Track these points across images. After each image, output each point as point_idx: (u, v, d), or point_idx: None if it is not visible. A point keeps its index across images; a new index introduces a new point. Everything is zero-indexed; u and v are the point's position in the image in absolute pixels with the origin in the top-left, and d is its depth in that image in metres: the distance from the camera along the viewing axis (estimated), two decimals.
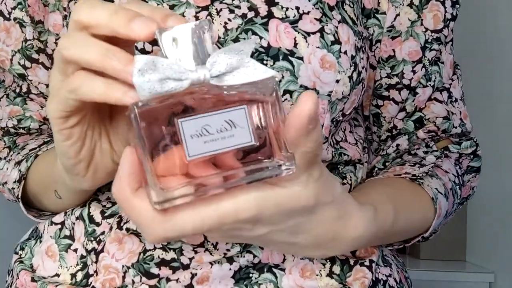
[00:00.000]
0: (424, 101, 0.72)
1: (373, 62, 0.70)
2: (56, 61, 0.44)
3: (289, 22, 0.59)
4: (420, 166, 0.68)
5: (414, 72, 0.70)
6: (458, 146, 0.73)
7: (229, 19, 0.59)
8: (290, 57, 0.58)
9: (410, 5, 0.68)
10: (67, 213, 0.65)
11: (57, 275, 0.63)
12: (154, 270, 0.60)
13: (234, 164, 0.41)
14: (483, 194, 1.91)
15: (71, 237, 0.64)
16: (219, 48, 0.57)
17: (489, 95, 1.92)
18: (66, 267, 0.63)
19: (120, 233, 0.61)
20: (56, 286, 0.62)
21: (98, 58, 0.41)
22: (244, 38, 0.58)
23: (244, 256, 0.60)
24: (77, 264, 0.62)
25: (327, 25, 0.60)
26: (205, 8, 0.60)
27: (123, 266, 0.60)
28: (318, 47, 0.59)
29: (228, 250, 0.60)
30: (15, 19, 0.70)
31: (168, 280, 0.59)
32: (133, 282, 0.60)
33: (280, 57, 0.58)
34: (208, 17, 0.58)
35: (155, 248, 0.60)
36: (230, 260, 0.60)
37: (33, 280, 0.64)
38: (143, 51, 0.58)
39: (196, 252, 0.60)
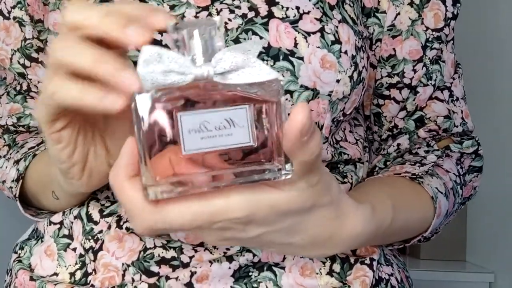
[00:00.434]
0: (425, 100, 0.72)
1: (374, 61, 0.70)
2: (48, 63, 0.44)
3: (289, 22, 0.59)
4: (421, 165, 0.68)
5: (414, 71, 0.70)
6: (460, 145, 0.72)
7: (230, 19, 0.59)
8: (290, 57, 0.58)
9: (411, 4, 0.68)
10: (65, 213, 0.65)
11: (56, 274, 0.63)
12: (154, 268, 0.60)
13: (228, 164, 0.41)
14: (483, 194, 1.91)
15: (70, 236, 0.64)
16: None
17: (490, 95, 1.92)
18: (65, 266, 0.63)
19: (120, 231, 0.61)
20: (55, 285, 0.62)
21: (89, 63, 0.41)
22: (245, 39, 0.58)
23: (243, 255, 0.60)
24: (76, 263, 0.62)
25: (327, 25, 0.60)
26: (206, 8, 0.60)
27: (123, 264, 0.60)
28: (319, 47, 0.59)
29: (228, 249, 0.60)
30: (14, 18, 0.71)
31: (167, 278, 0.59)
32: (133, 280, 0.60)
33: (281, 57, 0.58)
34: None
35: (155, 247, 0.60)
36: (230, 258, 0.60)
37: (31, 279, 0.64)
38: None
39: (196, 251, 0.60)
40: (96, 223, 0.62)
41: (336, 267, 0.62)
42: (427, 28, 0.69)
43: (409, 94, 0.71)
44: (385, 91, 0.71)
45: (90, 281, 0.61)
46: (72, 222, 0.64)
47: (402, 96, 0.71)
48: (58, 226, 0.65)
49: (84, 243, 0.62)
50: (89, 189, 0.53)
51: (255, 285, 0.60)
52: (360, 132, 0.72)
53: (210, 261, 0.59)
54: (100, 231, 0.62)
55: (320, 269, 0.61)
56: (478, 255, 1.93)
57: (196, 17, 0.59)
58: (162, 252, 0.60)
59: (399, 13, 0.68)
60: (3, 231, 1.31)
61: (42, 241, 0.66)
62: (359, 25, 0.65)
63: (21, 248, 0.68)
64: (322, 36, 0.59)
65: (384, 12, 0.68)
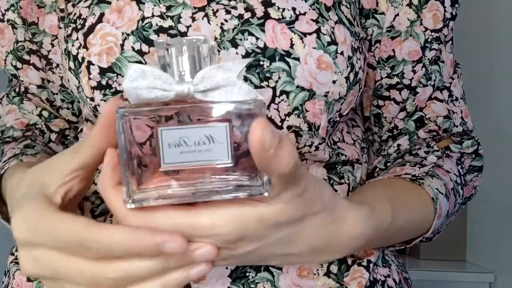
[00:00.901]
0: (425, 101, 0.72)
1: (373, 62, 0.70)
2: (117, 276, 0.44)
3: (285, 23, 0.59)
4: (421, 166, 0.68)
5: (414, 72, 0.70)
6: (460, 145, 0.72)
7: (226, 20, 0.59)
8: (286, 58, 0.58)
9: (409, 5, 0.68)
10: None
11: None
12: None
13: (209, 177, 0.42)
14: (483, 194, 1.91)
15: None
16: (218, 50, 0.58)
17: (490, 95, 1.92)
18: None
19: None
20: None
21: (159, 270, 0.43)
22: (241, 39, 0.58)
23: None
24: None
25: (323, 26, 0.60)
26: (202, 9, 0.60)
27: None
28: (315, 48, 0.59)
29: None
30: (8, 20, 0.72)
31: None
32: None
33: (277, 58, 0.58)
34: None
35: None
36: None
37: (28, 280, 0.64)
38: (139, 52, 0.58)
39: None
40: None
41: (334, 268, 0.62)
42: (426, 29, 0.69)
43: (408, 94, 0.71)
44: (384, 92, 0.71)
45: None
46: None
47: (402, 97, 0.71)
48: None
49: None
50: None
51: (252, 285, 0.60)
52: (358, 133, 0.72)
53: None
54: None
55: (318, 270, 0.61)
56: (478, 255, 1.93)
57: (192, 18, 0.60)
58: None
59: (397, 14, 0.68)
60: (0, 233, 1.31)
61: None
62: (356, 26, 0.65)
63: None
64: (318, 37, 0.59)
65: (383, 13, 0.68)
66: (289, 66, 0.58)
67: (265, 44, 0.58)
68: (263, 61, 0.58)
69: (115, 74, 0.59)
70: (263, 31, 0.59)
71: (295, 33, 0.59)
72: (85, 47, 0.60)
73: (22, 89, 0.74)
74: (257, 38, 0.58)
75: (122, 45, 0.59)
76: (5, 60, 0.73)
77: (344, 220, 0.50)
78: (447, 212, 0.68)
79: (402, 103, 0.71)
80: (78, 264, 0.43)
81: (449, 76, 0.73)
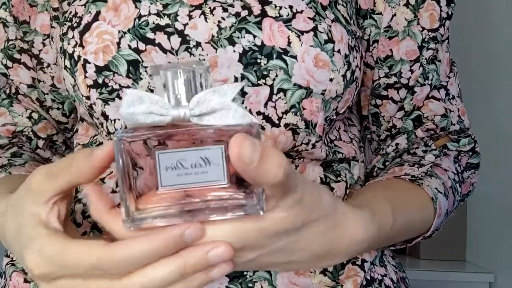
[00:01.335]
0: (422, 100, 0.72)
1: (371, 62, 0.70)
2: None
3: (282, 21, 0.59)
4: (419, 166, 0.68)
5: (412, 71, 0.70)
6: (457, 143, 0.73)
7: (223, 18, 0.59)
8: (283, 56, 0.58)
9: (407, 5, 0.69)
10: None
11: None
12: None
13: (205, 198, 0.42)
14: (483, 195, 1.91)
15: None
16: (215, 48, 0.58)
17: (489, 94, 1.92)
18: None
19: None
20: None
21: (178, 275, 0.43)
22: (238, 37, 0.58)
23: None
24: None
25: (320, 24, 0.60)
26: (199, 7, 0.60)
27: None
28: (312, 46, 0.59)
29: None
30: (0, 18, 0.71)
31: None
32: None
33: (274, 56, 0.58)
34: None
35: None
36: None
37: (26, 281, 0.64)
38: (136, 50, 0.58)
39: None
40: (79, 225, 0.62)
41: (329, 267, 0.62)
42: (423, 28, 0.69)
43: (406, 94, 0.71)
44: (382, 91, 0.71)
45: None
46: None
47: (399, 96, 0.71)
48: None
49: None
50: None
51: (250, 284, 0.60)
52: (355, 131, 0.72)
53: None
54: (84, 233, 0.62)
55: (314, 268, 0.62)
56: (478, 255, 1.93)
57: (189, 16, 0.59)
58: None
59: (395, 14, 0.69)
60: None
61: None
62: (352, 25, 0.65)
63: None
64: (315, 35, 0.59)
65: (380, 13, 0.68)
66: (286, 64, 0.58)
67: (262, 42, 0.58)
68: (261, 59, 0.58)
69: (111, 73, 0.59)
70: (260, 29, 0.59)
71: (292, 31, 0.59)
72: (81, 45, 0.60)
73: (13, 91, 0.74)
74: (254, 36, 0.58)
75: (118, 43, 0.59)
76: None
77: (345, 225, 0.50)
78: (447, 210, 0.68)
79: (400, 102, 0.72)
80: (103, 285, 0.43)
81: (446, 75, 0.73)
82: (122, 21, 0.59)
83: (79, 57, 0.60)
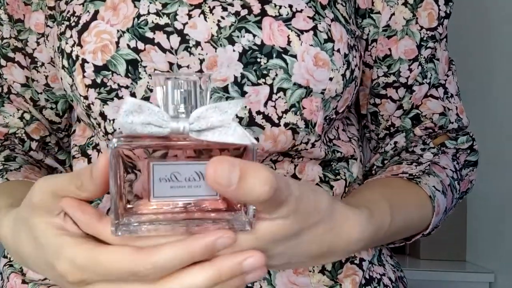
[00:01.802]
0: (421, 98, 0.72)
1: (370, 61, 0.71)
2: None
3: (282, 20, 0.59)
4: (418, 165, 0.68)
5: (410, 70, 0.70)
6: (455, 141, 0.73)
7: (223, 17, 0.59)
8: (283, 55, 0.58)
9: (405, 4, 0.69)
10: None
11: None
12: None
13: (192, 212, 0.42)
14: (483, 194, 1.91)
15: None
16: (215, 48, 0.58)
17: (488, 94, 1.92)
18: None
19: None
20: (49, 287, 0.62)
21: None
22: (238, 36, 0.58)
23: None
24: None
25: (320, 23, 0.60)
26: (198, 6, 0.60)
27: None
28: (312, 45, 0.59)
29: None
30: None
31: None
32: None
33: (274, 55, 0.58)
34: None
35: None
36: None
37: (23, 282, 0.64)
38: (135, 49, 0.58)
39: None
40: None
41: (328, 265, 0.62)
42: (422, 27, 0.70)
43: (405, 93, 0.71)
44: (381, 90, 0.71)
45: None
46: None
47: (398, 95, 0.71)
48: None
49: None
50: None
51: (249, 284, 0.60)
52: (353, 131, 0.72)
53: None
54: None
55: (313, 267, 0.62)
56: (478, 255, 1.93)
57: (189, 15, 0.59)
58: None
59: (393, 14, 0.69)
60: None
61: None
62: (351, 24, 0.65)
63: None
64: (315, 34, 0.59)
65: (378, 12, 0.68)
66: (286, 63, 0.58)
67: (262, 41, 0.58)
68: (260, 58, 0.58)
69: (110, 72, 0.58)
70: (260, 28, 0.59)
71: (292, 30, 0.59)
72: (79, 45, 0.60)
73: (5, 90, 0.73)
74: (254, 35, 0.58)
75: (117, 43, 0.58)
76: None
77: (342, 225, 0.50)
78: (445, 208, 0.68)
79: (398, 101, 0.72)
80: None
81: (444, 73, 0.73)
82: (121, 20, 0.59)
83: (77, 56, 0.60)
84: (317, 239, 0.48)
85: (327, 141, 0.67)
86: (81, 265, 0.43)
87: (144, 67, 0.58)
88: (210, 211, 0.43)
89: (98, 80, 0.59)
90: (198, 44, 0.58)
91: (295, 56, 0.58)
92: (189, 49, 0.58)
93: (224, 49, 0.58)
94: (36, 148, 0.73)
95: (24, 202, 0.48)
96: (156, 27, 0.59)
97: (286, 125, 0.60)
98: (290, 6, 0.60)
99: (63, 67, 0.61)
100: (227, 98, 0.58)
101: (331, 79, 0.60)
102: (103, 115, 0.60)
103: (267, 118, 0.59)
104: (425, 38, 0.70)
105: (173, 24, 0.59)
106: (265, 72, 0.58)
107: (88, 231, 0.44)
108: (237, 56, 0.58)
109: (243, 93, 0.58)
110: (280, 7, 0.60)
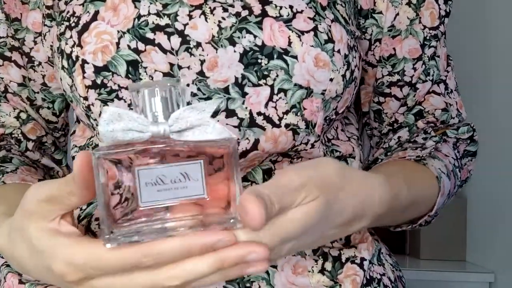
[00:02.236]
0: (424, 95, 0.73)
1: (372, 60, 0.71)
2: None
3: (283, 21, 0.59)
4: (422, 149, 0.70)
5: (414, 69, 0.71)
6: (456, 131, 0.74)
7: (223, 18, 0.59)
8: (284, 56, 0.58)
9: (409, 4, 0.70)
10: None
11: None
12: None
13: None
14: (483, 194, 1.91)
15: None
16: (216, 48, 0.57)
17: (487, 93, 1.92)
18: None
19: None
20: (46, 287, 0.62)
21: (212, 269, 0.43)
22: (239, 37, 0.58)
23: None
24: None
25: (320, 24, 0.60)
26: (199, 7, 0.60)
27: None
28: (312, 46, 0.59)
29: None
30: None
31: None
32: None
33: (275, 56, 0.58)
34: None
35: None
36: None
37: (20, 282, 0.64)
38: (136, 50, 0.58)
39: None
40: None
41: (328, 266, 0.62)
42: (425, 26, 0.70)
43: (409, 91, 0.72)
44: (386, 89, 0.72)
45: None
46: None
47: (402, 93, 0.72)
48: None
49: None
50: None
51: (248, 284, 0.60)
52: (352, 130, 0.73)
53: None
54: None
55: (312, 267, 0.62)
56: (478, 255, 1.93)
57: (188, 23, 0.59)
58: None
59: (398, 14, 0.69)
60: None
61: None
62: (351, 25, 0.65)
63: None
64: (316, 35, 0.59)
65: (381, 12, 0.69)
66: (287, 64, 0.58)
67: (263, 42, 0.58)
68: (261, 59, 0.58)
69: (110, 73, 0.58)
70: (261, 29, 0.59)
71: (292, 31, 0.59)
72: (80, 45, 0.59)
73: (2, 89, 0.72)
74: (255, 36, 0.58)
75: (117, 44, 0.58)
76: None
77: (362, 188, 0.50)
78: (449, 191, 0.70)
79: (402, 99, 0.73)
80: (137, 279, 0.43)
81: (444, 69, 0.74)
82: (122, 21, 0.59)
83: (77, 57, 0.59)
84: (341, 207, 0.48)
85: (325, 141, 0.67)
86: (79, 264, 0.43)
87: (145, 68, 0.58)
88: (202, 215, 0.43)
89: (98, 81, 0.59)
90: (199, 45, 0.58)
91: (295, 57, 0.58)
92: (189, 50, 0.58)
93: (225, 50, 0.58)
94: (33, 148, 0.72)
95: (18, 211, 0.48)
96: (157, 28, 0.59)
97: (287, 126, 0.60)
98: (291, 7, 0.60)
99: (63, 67, 0.61)
100: (228, 99, 0.58)
101: (331, 79, 0.60)
102: None
103: (268, 119, 0.59)
104: (428, 38, 0.71)
105: (174, 24, 0.59)
106: (265, 73, 0.58)
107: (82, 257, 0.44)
108: (238, 57, 0.58)
109: (243, 94, 0.58)
110: (281, 8, 0.60)
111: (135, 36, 0.58)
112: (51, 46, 0.68)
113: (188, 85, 0.58)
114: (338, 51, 0.60)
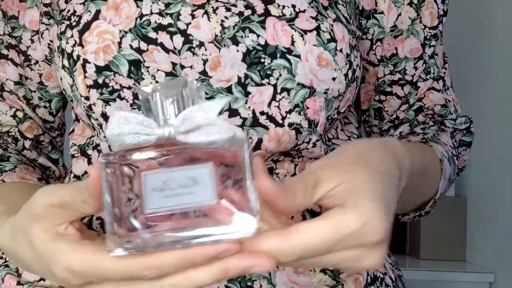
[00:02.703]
0: (424, 92, 0.74)
1: (374, 60, 0.72)
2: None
3: (286, 20, 0.59)
4: (424, 135, 0.71)
5: (416, 68, 0.72)
6: (453, 121, 0.75)
7: (226, 17, 0.59)
8: (287, 55, 0.58)
9: (410, 4, 0.70)
10: None
11: (43, 279, 0.62)
12: None
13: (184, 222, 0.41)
14: (483, 194, 1.91)
15: None
16: (219, 48, 0.57)
17: (489, 95, 1.92)
18: None
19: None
20: None
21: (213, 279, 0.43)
22: (242, 36, 0.58)
23: None
24: None
25: (323, 23, 0.60)
26: (201, 6, 0.59)
27: None
28: (315, 45, 0.59)
29: None
30: None
31: None
32: None
33: (278, 55, 0.58)
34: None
35: None
36: None
37: (19, 283, 0.63)
38: (138, 50, 0.58)
39: None
40: None
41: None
42: (425, 26, 0.71)
43: (410, 89, 0.73)
44: (387, 88, 0.73)
45: None
46: None
47: (404, 92, 0.73)
48: None
49: None
50: None
51: (249, 283, 0.60)
52: (352, 129, 0.73)
53: None
54: None
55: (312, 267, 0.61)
56: (478, 255, 1.93)
57: (190, 22, 0.59)
58: None
59: (400, 14, 0.70)
60: None
61: None
62: (352, 25, 0.66)
63: None
64: (318, 34, 0.59)
65: (382, 12, 0.69)
66: (290, 64, 0.58)
67: (266, 41, 0.58)
68: (264, 58, 0.58)
69: (112, 73, 0.58)
70: (264, 28, 0.59)
71: (295, 31, 0.59)
72: (81, 44, 0.59)
73: None
74: (258, 36, 0.58)
75: (119, 43, 0.58)
76: None
77: (389, 155, 0.50)
78: (449, 176, 0.70)
79: (404, 97, 0.73)
80: (139, 286, 0.43)
81: (442, 66, 0.75)
82: (123, 20, 0.59)
83: (78, 56, 0.59)
84: (378, 180, 0.46)
85: (326, 140, 0.67)
86: (79, 271, 0.43)
87: (147, 67, 0.58)
88: (211, 223, 0.41)
89: (100, 81, 0.59)
90: (201, 44, 0.58)
91: (299, 56, 0.58)
92: (192, 50, 0.58)
93: (228, 49, 0.58)
94: (30, 147, 0.72)
95: (22, 211, 0.47)
96: (159, 27, 0.58)
97: (290, 125, 0.59)
98: (293, 6, 0.60)
99: (63, 67, 0.61)
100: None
101: (334, 79, 0.60)
102: (105, 116, 0.60)
103: (271, 118, 0.59)
104: (428, 37, 0.71)
105: (176, 24, 0.59)
106: (268, 72, 0.58)
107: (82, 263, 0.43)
108: (240, 56, 0.58)
109: (246, 94, 0.58)
110: (283, 7, 0.60)
111: (137, 36, 0.58)
112: (49, 44, 0.68)
113: None
114: (341, 50, 0.60)
